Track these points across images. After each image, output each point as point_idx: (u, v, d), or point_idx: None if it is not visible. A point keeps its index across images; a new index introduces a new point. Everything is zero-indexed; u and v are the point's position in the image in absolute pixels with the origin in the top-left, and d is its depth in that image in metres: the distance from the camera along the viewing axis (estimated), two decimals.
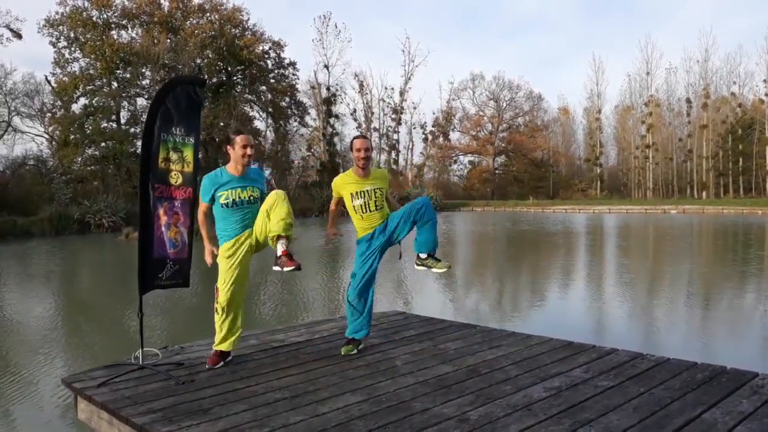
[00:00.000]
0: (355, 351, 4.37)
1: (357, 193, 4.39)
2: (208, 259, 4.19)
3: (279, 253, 3.95)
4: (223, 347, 4.13)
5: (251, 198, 4.12)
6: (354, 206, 4.41)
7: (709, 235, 23.47)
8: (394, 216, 4.42)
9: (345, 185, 4.44)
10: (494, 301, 9.98)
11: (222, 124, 43.55)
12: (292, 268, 3.90)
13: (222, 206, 4.08)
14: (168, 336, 7.38)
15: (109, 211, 28.51)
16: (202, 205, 4.17)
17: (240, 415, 3.14)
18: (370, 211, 4.40)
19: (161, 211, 4.11)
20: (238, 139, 4.08)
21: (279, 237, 3.96)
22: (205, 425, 3.00)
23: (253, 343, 4.71)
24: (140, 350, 4.05)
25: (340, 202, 4.52)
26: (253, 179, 4.20)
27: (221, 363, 4.09)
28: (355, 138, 4.51)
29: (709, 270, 13.50)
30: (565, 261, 15.74)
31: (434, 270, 4.34)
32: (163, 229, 4.12)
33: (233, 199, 4.07)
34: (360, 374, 3.84)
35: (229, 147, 4.13)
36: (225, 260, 4.10)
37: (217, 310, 4.11)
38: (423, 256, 4.39)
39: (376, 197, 4.39)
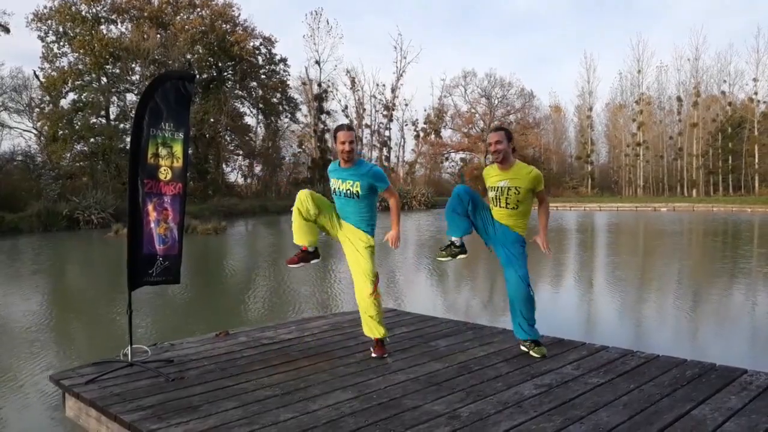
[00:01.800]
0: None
1: (492, 187, 4.35)
2: None
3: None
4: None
5: (348, 192, 4.24)
6: (490, 197, 4.39)
7: (699, 232, 23.63)
8: (509, 255, 4.27)
9: (488, 177, 4.41)
10: (485, 298, 9.99)
11: (212, 120, 43.36)
12: (377, 355, 4.24)
13: (332, 190, 4.37)
14: (157, 333, 7.34)
15: (98, 207, 28.30)
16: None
17: (230, 412, 3.12)
18: (500, 206, 4.29)
19: (150, 207, 4.08)
20: (338, 135, 4.25)
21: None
22: (194, 422, 2.98)
23: (243, 341, 4.69)
24: (129, 347, 4.02)
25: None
26: (357, 174, 4.23)
27: (299, 264, 4.34)
28: (491, 131, 4.39)
29: (699, 267, 13.60)
30: (556, 258, 15.80)
31: (531, 353, 4.21)
32: (153, 225, 4.09)
33: (335, 188, 4.31)
34: (351, 371, 3.83)
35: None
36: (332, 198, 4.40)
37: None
38: (527, 342, 4.31)
39: (508, 195, 4.24)
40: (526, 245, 4.35)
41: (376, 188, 4.26)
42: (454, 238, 4.36)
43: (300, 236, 4.27)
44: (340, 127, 4.31)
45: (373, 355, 4.23)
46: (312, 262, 4.42)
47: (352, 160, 4.24)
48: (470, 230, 4.36)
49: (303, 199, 4.18)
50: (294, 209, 4.22)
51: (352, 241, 4.27)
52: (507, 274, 4.29)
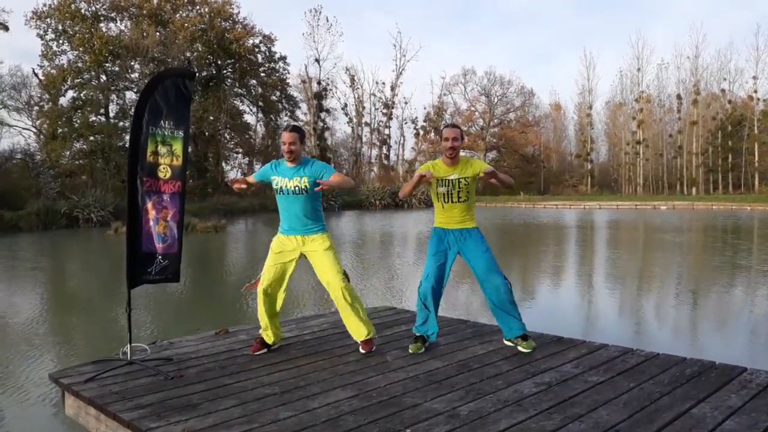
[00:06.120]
0: (423, 350, 4.26)
1: (442, 180, 4.32)
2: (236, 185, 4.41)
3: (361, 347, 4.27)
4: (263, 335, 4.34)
5: (296, 189, 4.21)
6: (439, 193, 4.35)
7: (698, 230, 23.63)
8: (476, 253, 4.30)
9: (435, 171, 4.36)
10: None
11: (212, 118, 43.31)
12: (365, 351, 4.22)
13: (275, 191, 4.30)
14: (157, 331, 7.33)
15: (98, 205, 28.28)
16: (251, 177, 4.47)
17: (229, 410, 3.12)
18: (453, 201, 4.33)
19: (149, 205, 4.07)
20: (283, 136, 4.26)
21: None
22: (194, 421, 2.98)
23: (243, 339, 4.69)
24: (128, 345, 4.01)
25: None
26: (303, 170, 4.23)
27: (262, 350, 4.28)
28: (447, 127, 4.38)
29: (699, 265, 13.60)
30: (556, 257, 15.80)
31: (520, 348, 4.21)
32: (152, 223, 4.08)
33: (280, 186, 4.25)
34: (350, 369, 3.83)
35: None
36: (271, 253, 4.29)
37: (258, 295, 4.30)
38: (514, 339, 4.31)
39: (459, 188, 4.30)
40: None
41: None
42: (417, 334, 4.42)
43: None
44: (285, 128, 4.34)
45: (362, 351, 4.20)
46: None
47: (295, 159, 4.24)
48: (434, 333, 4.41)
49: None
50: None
51: (314, 250, 4.23)
52: (491, 278, 4.28)
